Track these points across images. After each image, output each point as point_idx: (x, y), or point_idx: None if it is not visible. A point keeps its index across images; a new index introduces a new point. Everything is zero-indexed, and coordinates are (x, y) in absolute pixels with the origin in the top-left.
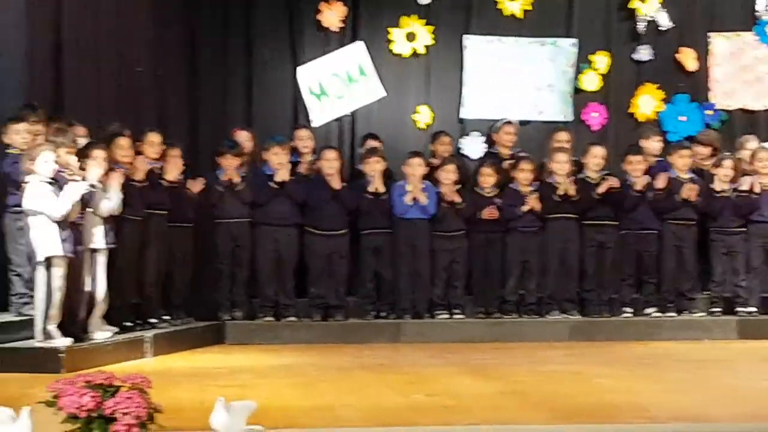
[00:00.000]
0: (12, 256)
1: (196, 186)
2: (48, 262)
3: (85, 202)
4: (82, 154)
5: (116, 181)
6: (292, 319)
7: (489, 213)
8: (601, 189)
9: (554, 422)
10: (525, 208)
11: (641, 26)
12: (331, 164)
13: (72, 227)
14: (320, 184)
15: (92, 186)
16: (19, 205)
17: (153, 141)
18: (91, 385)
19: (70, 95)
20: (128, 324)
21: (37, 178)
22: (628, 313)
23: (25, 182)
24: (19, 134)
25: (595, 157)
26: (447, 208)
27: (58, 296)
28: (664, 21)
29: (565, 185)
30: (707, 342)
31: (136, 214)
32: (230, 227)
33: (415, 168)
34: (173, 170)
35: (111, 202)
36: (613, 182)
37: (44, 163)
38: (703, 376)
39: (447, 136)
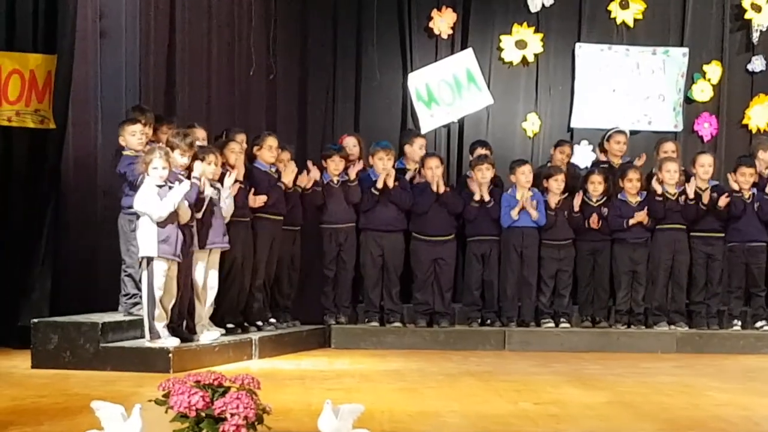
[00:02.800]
0: (125, 257)
1: (304, 180)
2: (148, 262)
3: (197, 203)
4: (196, 157)
5: (227, 183)
6: (397, 324)
7: (593, 222)
8: (721, 203)
9: None
10: (632, 221)
11: (755, 36)
12: (433, 171)
13: (182, 229)
14: (424, 189)
15: (199, 188)
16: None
17: (271, 145)
18: (201, 385)
19: (182, 98)
20: (234, 326)
21: (150, 180)
22: (736, 326)
23: (140, 183)
24: (134, 136)
25: (703, 165)
26: (555, 217)
27: (159, 296)
28: None
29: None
30: None
31: (244, 216)
32: (336, 232)
33: (527, 175)
34: (287, 174)
35: (223, 204)
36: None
37: (153, 169)
38: None
39: (568, 145)
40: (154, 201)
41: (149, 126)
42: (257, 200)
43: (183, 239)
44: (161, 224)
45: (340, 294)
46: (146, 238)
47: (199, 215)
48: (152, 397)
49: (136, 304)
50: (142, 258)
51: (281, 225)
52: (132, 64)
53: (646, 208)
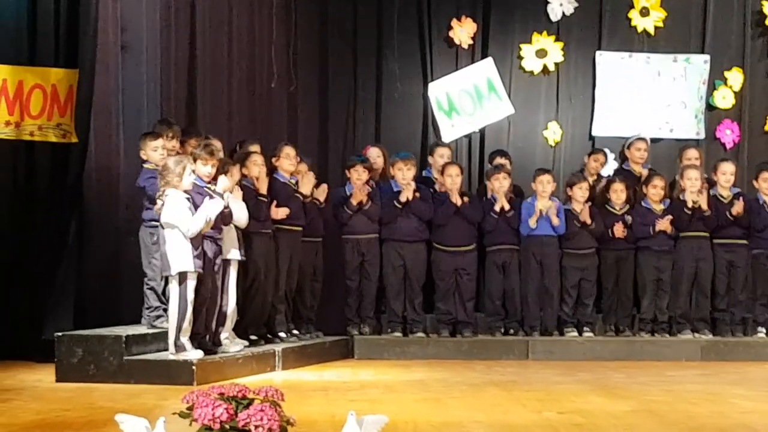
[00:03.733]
0: (147, 270)
1: (321, 194)
2: (180, 276)
3: (224, 216)
4: (220, 170)
5: (238, 193)
6: (420, 334)
7: (619, 231)
8: (735, 210)
9: None
10: (659, 227)
11: None
12: (453, 180)
13: (208, 241)
14: (444, 200)
15: (225, 202)
16: (155, 220)
17: (289, 154)
18: (224, 398)
19: (203, 111)
20: (257, 337)
21: (176, 192)
22: (761, 333)
23: (163, 196)
24: (156, 151)
25: (725, 173)
26: (577, 227)
27: (190, 309)
28: None
29: (695, 197)
30: None
31: (266, 228)
32: (358, 243)
33: (545, 185)
34: (305, 184)
35: (235, 214)
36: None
37: (189, 175)
38: None
39: (602, 154)
40: (186, 215)
41: (176, 139)
42: (279, 212)
43: (206, 251)
44: (194, 239)
45: (363, 305)
46: (180, 253)
47: (228, 228)
48: (176, 409)
49: (159, 316)
50: (177, 273)
51: (300, 236)
52: (153, 77)
53: (670, 217)
